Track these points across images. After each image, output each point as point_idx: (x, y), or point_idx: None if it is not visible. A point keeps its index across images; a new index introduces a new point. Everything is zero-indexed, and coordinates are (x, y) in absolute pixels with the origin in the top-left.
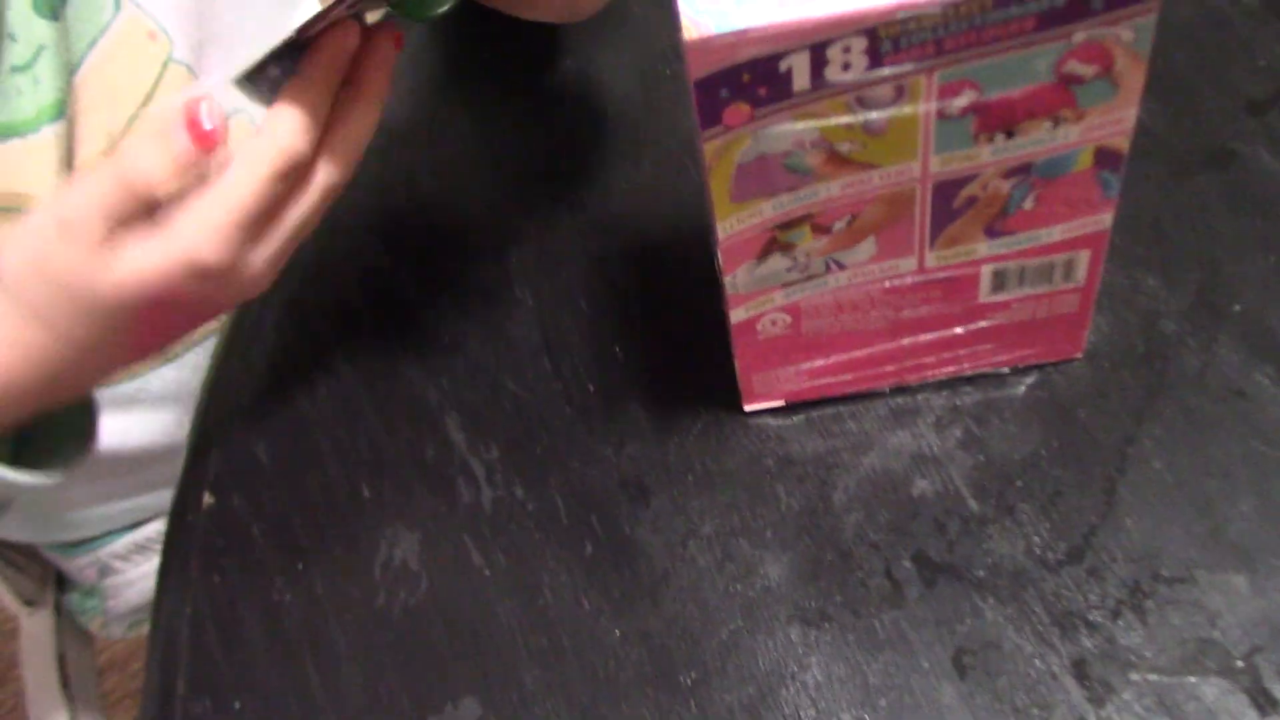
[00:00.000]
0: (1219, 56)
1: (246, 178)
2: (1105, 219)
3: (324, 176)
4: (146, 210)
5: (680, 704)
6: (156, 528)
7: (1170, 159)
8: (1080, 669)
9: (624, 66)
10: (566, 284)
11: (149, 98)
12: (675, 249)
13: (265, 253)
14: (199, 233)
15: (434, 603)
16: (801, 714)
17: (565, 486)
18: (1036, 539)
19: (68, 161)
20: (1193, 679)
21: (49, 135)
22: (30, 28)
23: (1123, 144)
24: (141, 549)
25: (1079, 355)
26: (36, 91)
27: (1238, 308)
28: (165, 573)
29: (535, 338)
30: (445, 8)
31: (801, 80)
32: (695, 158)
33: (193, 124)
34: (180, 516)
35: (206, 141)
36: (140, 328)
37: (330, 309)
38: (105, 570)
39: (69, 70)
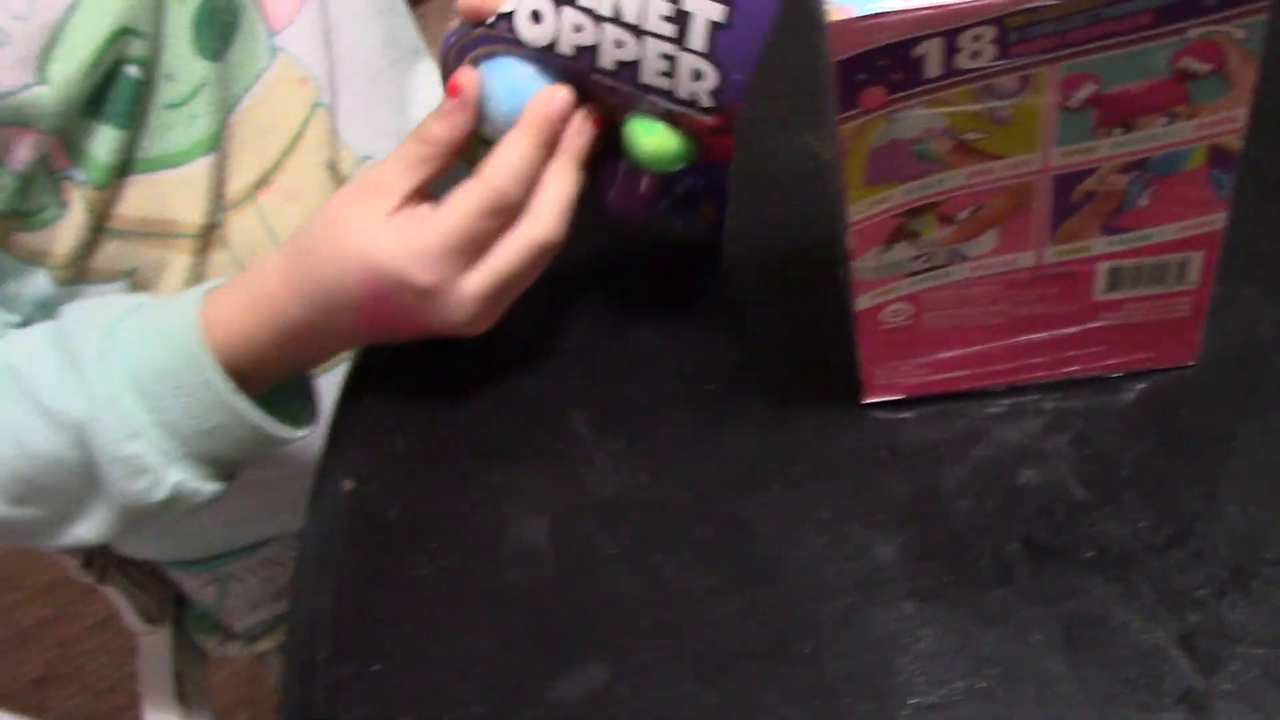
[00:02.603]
0: None
1: (455, 208)
2: (1218, 219)
3: (528, 229)
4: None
5: (797, 671)
6: (276, 550)
7: (1261, 180)
8: (1187, 643)
9: None
10: (680, 292)
11: (298, 137)
12: (793, 252)
13: (473, 285)
14: (410, 255)
15: (561, 580)
16: (915, 682)
17: (684, 476)
18: (1142, 524)
19: (217, 192)
20: None
21: (201, 166)
22: (190, 67)
23: (1234, 143)
24: (261, 568)
25: (1191, 362)
26: (191, 126)
27: None
28: (305, 551)
29: (655, 342)
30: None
31: (934, 67)
32: (814, 159)
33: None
34: (321, 499)
35: (453, 90)
36: (361, 316)
37: None
38: (224, 589)
39: (226, 108)
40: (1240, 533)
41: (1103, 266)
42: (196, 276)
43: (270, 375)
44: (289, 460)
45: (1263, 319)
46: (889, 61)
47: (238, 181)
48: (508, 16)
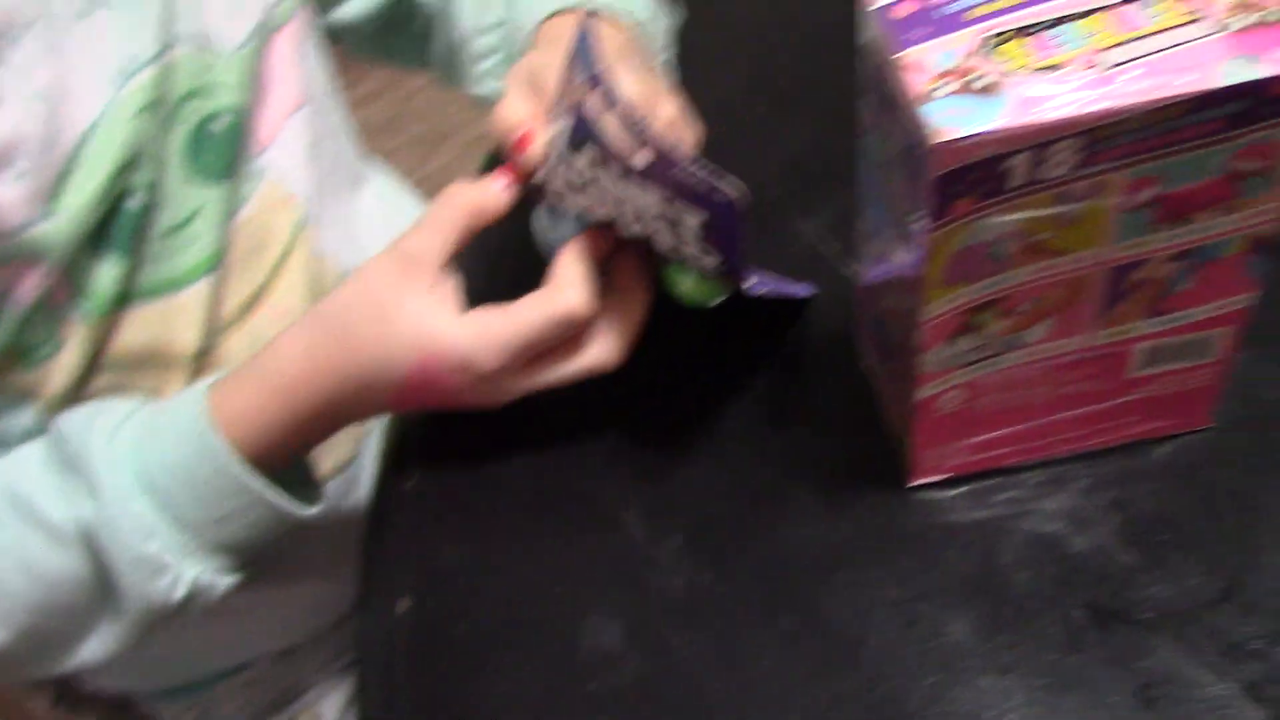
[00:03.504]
0: None
1: (533, 310)
2: (1247, 298)
3: (590, 356)
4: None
5: None
6: (258, 670)
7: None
8: (1254, 691)
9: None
10: (716, 389)
11: (286, 254)
12: (812, 342)
13: (521, 385)
14: (480, 342)
15: (645, 684)
16: None
17: (749, 568)
18: (1191, 582)
19: (214, 313)
20: None
21: (203, 287)
22: (184, 190)
23: (1271, 231)
24: (244, 690)
25: (1209, 425)
26: (192, 248)
27: None
28: (367, 678)
29: (696, 434)
30: (715, 301)
31: (1019, 177)
32: (811, 249)
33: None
34: (373, 620)
35: (521, 144)
36: (403, 386)
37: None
38: (206, 714)
39: (224, 228)
40: None
41: (1143, 346)
42: None
43: (284, 457)
44: (260, 587)
45: (1264, 380)
46: (980, 174)
47: (231, 302)
48: (541, 186)
